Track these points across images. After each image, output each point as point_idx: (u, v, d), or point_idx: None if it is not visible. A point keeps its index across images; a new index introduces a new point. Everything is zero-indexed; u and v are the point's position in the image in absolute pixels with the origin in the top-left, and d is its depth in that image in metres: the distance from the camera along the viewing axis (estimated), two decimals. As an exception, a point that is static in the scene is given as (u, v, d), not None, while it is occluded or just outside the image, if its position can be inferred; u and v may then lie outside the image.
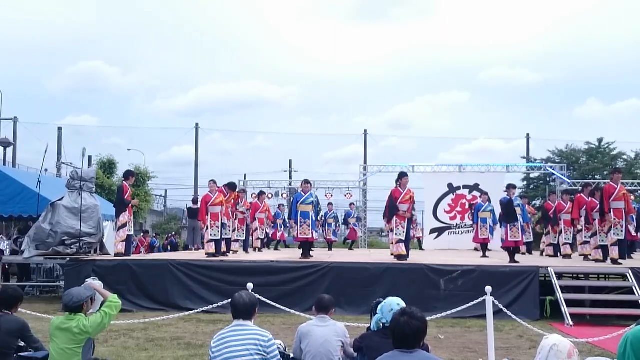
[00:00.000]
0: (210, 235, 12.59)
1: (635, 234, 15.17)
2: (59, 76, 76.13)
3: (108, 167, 29.82)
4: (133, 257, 12.14)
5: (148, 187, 32.13)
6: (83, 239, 12.49)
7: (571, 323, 9.84)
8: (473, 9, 71.72)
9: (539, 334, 6.57)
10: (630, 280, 10.61)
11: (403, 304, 4.04)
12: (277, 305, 8.52)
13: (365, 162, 33.26)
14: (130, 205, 12.53)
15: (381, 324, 4.04)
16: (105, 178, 28.07)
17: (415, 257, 13.26)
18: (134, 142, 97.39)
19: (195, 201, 20.10)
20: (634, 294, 10.41)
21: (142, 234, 25.41)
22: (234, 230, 15.38)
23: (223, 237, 12.92)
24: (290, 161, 42.40)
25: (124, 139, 74.16)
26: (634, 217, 14.92)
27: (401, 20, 79.30)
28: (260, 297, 6.62)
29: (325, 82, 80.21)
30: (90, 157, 30.32)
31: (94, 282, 5.59)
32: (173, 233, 25.37)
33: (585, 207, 12.90)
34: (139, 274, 11.38)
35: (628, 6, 62.65)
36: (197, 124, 38.49)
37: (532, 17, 69.77)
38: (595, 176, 33.32)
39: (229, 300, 4.60)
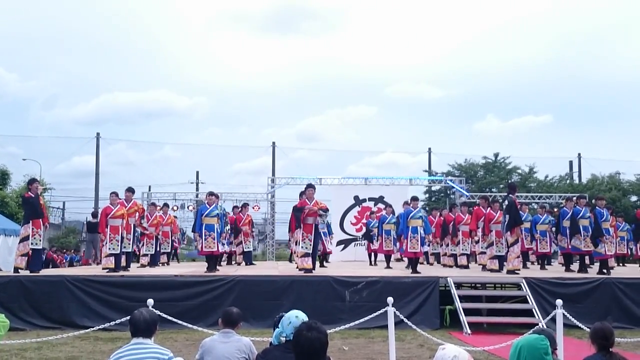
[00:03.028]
0: (109, 249, 12.09)
1: (530, 245, 16.01)
2: (-48, 83, 71.21)
3: (0, 178, 28.29)
4: (23, 272, 11.45)
5: (44, 198, 30.60)
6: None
7: (469, 331, 10.20)
8: (376, 27, 73.75)
9: (438, 343, 6.75)
10: (524, 290, 11.13)
11: (302, 316, 4.01)
12: (180, 322, 8.31)
13: (273, 174, 33.21)
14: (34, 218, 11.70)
15: (282, 338, 4.00)
16: (-4, 189, 26.57)
17: (321, 269, 13.34)
18: (32, 151, 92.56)
19: (95, 214, 19.41)
20: (527, 302, 10.94)
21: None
22: (142, 245, 14.91)
23: (123, 250, 12.46)
24: (198, 172, 41.73)
25: (20, 149, 70.19)
26: (528, 229, 15.75)
27: (310, 33, 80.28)
28: (162, 314, 6.42)
29: (235, 93, 79.72)
30: (-20, 168, 28.51)
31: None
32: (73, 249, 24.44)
33: (483, 218, 13.45)
34: (32, 291, 10.78)
35: (524, 33, 66.80)
36: (98, 134, 37.28)
37: (436, 36, 72.62)
38: (492, 189, 34.96)
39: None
